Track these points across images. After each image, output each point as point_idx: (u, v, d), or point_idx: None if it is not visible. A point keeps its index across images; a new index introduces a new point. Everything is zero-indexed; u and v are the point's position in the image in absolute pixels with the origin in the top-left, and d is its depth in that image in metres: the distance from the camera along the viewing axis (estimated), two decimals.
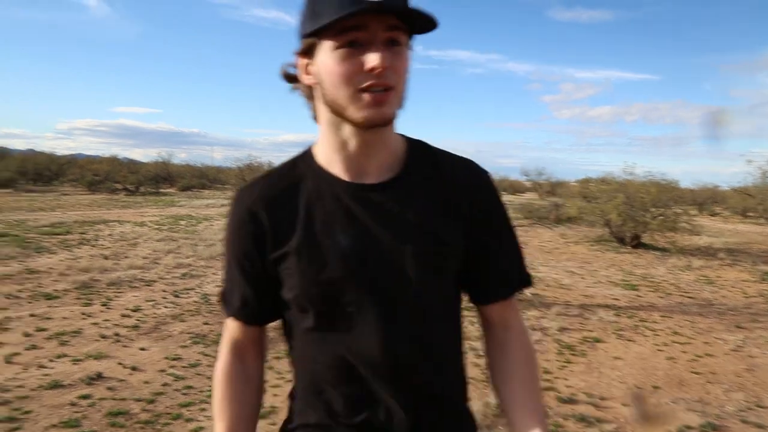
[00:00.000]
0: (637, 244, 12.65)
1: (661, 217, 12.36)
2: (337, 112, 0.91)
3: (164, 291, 6.57)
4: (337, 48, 0.85)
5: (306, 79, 0.95)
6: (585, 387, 4.19)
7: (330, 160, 0.98)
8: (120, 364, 4.17)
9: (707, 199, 29.21)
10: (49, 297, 5.97)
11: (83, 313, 5.44)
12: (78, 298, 5.99)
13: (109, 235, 11.05)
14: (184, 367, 4.19)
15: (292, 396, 1.09)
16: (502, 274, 1.05)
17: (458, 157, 1.05)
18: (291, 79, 1.00)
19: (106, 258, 8.39)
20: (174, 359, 4.32)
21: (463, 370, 1.08)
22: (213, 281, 7.26)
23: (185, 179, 35.08)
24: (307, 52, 0.92)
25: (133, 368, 4.10)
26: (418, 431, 0.98)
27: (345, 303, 0.95)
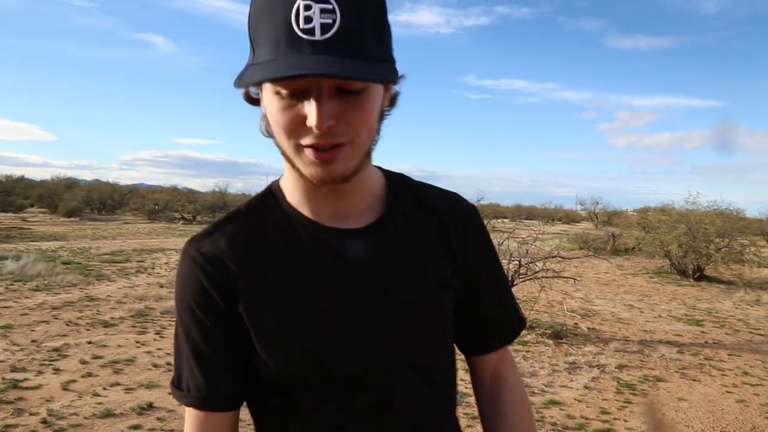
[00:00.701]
0: (700, 276, 12.06)
1: (726, 249, 11.77)
2: (288, 161, 0.77)
3: None
4: (276, 93, 0.70)
5: (262, 109, 0.77)
6: (647, 431, 3.94)
7: (300, 201, 0.83)
8: (170, 394, 4.21)
9: None
10: (106, 324, 6.14)
11: (137, 342, 5.56)
12: (133, 326, 6.14)
13: (166, 263, 11.38)
14: None
15: None
16: (496, 320, 0.95)
17: (442, 190, 0.94)
18: (253, 101, 0.80)
19: (161, 286, 8.62)
20: None
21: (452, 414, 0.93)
22: None
23: None
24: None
25: None
26: None
27: (324, 372, 0.78)
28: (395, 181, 0.91)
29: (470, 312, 0.92)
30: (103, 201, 31.87)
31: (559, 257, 7.29)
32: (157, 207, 29.39)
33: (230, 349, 0.80)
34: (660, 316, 8.14)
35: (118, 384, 4.35)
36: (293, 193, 0.84)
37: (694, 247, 11.89)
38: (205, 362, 0.80)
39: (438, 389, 0.87)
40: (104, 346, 5.36)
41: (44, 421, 3.59)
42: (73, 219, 25.26)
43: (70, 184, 34.02)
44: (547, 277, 7.04)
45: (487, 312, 0.94)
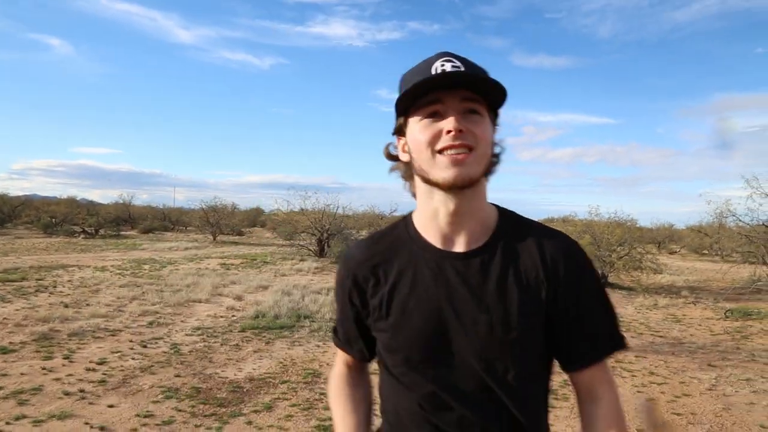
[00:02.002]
0: (604, 283, 12.82)
1: (627, 257, 12.62)
2: (425, 178, 1.02)
3: (131, 341, 6.28)
4: (420, 120, 0.99)
5: (403, 156, 1.08)
6: None
7: (425, 227, 1.09)
8: (87, 423, 3.92)
9: (665, 238, 30.10)
10: (4, 351, 5.63)
11: (44, 368, 5.13)
12: (37, 351, 5.67)
13: (69, 281, 10.62)
14: (157, 425, 3.96)
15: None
16: (586, 337, 1.05)
17: (547, 228, 1.10)
18: (392, 158, 1.12)
19: (66, 306, 8.02)
20: (146, 416, 4.09)
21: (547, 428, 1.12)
22: (182, 329, 7.00)
23: (147, 221, 34.26)
24: (400, 131, 1.07)
25: (102, 428, 3.85)
26: None
27: (425, 358, 1.04)
28: (506, 216, 1.11)
29: (564, 332, 1.05)
30: None
31: None
32: (54, 220, 27.40)
33: (359, 323, 1.16)
34: None
35: (24, 416, 3.99)
36: (420, 221, 1.10)
37: (598, 256, 12.66)
38: (344, 325, 1.20)
39: (511, 398, 1.02)
40: (4, 374, 4.90)
41: None
42: None
43: None
44: None
45: (579, 331, 1.05)
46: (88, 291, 9.52)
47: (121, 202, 37.27)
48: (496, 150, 1.06)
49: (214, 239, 26.58)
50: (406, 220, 1.14)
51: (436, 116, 0.98)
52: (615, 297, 11.50)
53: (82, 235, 25.50)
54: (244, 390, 4.81)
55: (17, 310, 7.64)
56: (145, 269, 13.12)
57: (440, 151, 0.97)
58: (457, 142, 0.96)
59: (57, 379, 4.83)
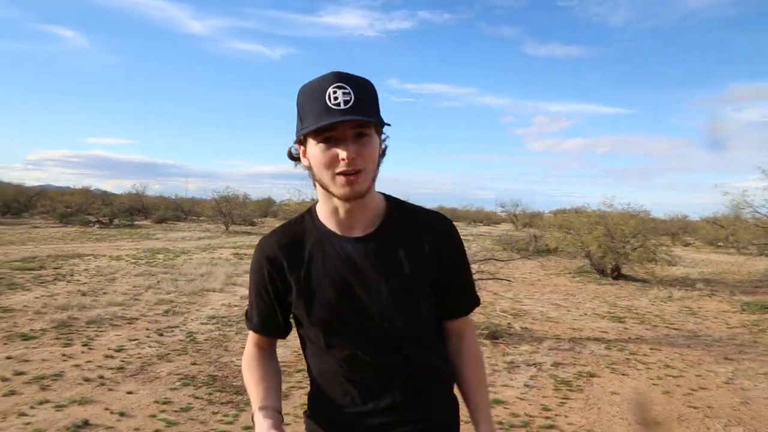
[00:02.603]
0: (618, 275, 12.78)
1: (641, 248, 12.53)
2: (325, 188, 1.22)
3: (147, 329, 6.36)
4: (318, 143, 1.17)
5: (304, 161, 1.26)
6: (587, 424, 4.13)
7: (327, 219, 1.30)
8: (107, 409, 3.98)
9: (679, 230, 29.84)
10: (26, 337, 5.72)
11: (64, 355, 5.21)
12: (57, 338, 5.76)
13: (85, 269, 10.75)
14: (175, 411, 4.01)
15: (309, 396, 1.42)
16: (460, 298, 1.39)
17: (427, 210, 1.37)
18: (294, 158, 1.29)
19: (84, 294, 8.12)
20: (164, 403, 4.14)
21: (446, 361, 1.40)
22: (197, 318, 7.07)
23: (160, 211, 34.53)
24: (302, 142, 1.24)
25: (121, 414, 3.91)
26: (418, 398, 1.31)
27: (340, 325, 1.27)
28: (392, 203, 1.35)
29: (444, 294, 1.34)
30: (7, 203, 29.68)
31: (495, 259, 7.50)
32: (69, 210, 27.66)
33: (279, 302, 1.34)
34: (585, 314, 8.55)
35: (46, 401, 4.06)
36: (322, 213, 1.32)
37: (612, 248, 12.59)
38: (259, 308, 1.37)
39: (412, 344, 1.30)
40: (26, 360, 4.99)
41: None
42: None
43: None
44: (483, 279, 7.22)
45: (455, 294, 1.37)
46: (104, 280, 9.63)
47: (135, 192, 37.56)
48: (383, 146, 1.26)
49: (227, 229, 26.72)
50: (311, 212, 1.35)
51: (332, 141, 1.16)
52: (629, 289, 11.44)
53: (97, 225, 25.75)
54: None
55: (36, 298, 7.75)
56: (159, 258, 13.24)
57: (337, 173, 1.16)
58: (350, 168, 1.15)
59: (77, 366, 4.90)
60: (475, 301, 1.44)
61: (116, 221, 27.58)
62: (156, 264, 12.15)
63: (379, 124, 1.20)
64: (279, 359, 1.47)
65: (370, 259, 1.26)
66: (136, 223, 30.09)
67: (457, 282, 1.36)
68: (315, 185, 1.27)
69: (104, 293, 8.31)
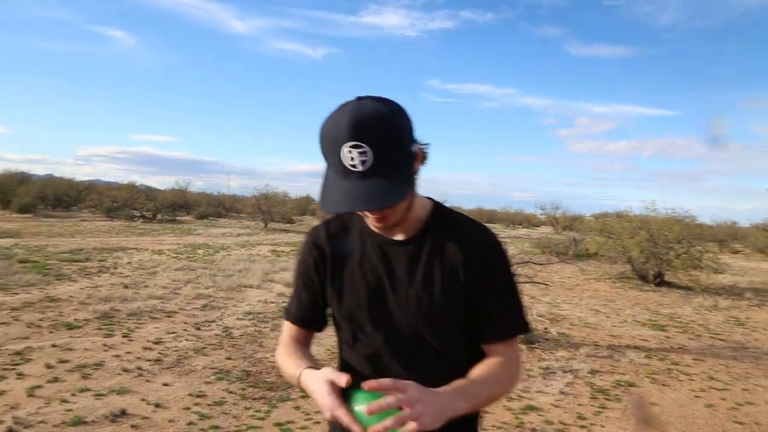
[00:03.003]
0: (661, 281, 12.41)
1: (685, 255, 12.13)
2: None
3: (185, 323, 6.49)
4: None
5: None
6: None
7: (369, 221, 1.25)
8: (144, 400, 4.07)
9: (727, 236, 28.81)
10: (70, 327, 5.91)
11: (105, 345, 5.36)
12: (99, 329, 5.93)
13: (128, 263, 11.05)
14: (209, 405, 4.07)
15: None
16: (498, 321, 1.26)
17: (472, 221, 1.31)
18: None
19: (126, 287, 8.35)
20: (198, 396, 4.22)
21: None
22: (234, 314, 7.18)
23: (202, 207, 35.26)
24: None
25: (157, 405, 3.99)
26: None
27: (365, 322, 1.26)
28: (438, 211, 1.30)
29: (478, 313, 1.24)
30: (58, 197, 30.78)
31: (531, 263, 7.38)
32: (115, 204, 28.51)
33: (322, 293, 1.34)
34: (625, 321, 8.33)
35: (87, 389, 4.18)
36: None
37: (654, 253, 12.23)
38: (300, 297, 1.37)
39: (435, 358, 1.23)
40: (70, 349, 5.15)
41: (10, 430, 3.42)
42: (26, 215, 24.30)
43: (23, 178, 32.61)
44: (520, 283, 7.10)
45: (490, 316, 1.25)
46: (145, 273, 9.88)
47: (178, 188, 38.44)
48: (424, 152, 1.19)
49: (266, 226, 27.09)
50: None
51: None
52: (673, 296, 11.10)
53: (141, 220, 26.47)
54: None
55: (81, 288, 8.01)
56: (199, 254, 13.51)
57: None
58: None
59: (117, 356, 5.04)
60: (519, 328, 1.29)
61: (159, 216, 28.30)
62: (196, 259, 12.40)
63: (406, 190, 1.12)
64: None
65: (404, 264, 1.25)
66: (179, 218, 30.82)
67: (495, 303, 1.25)
68: None
69: (145, 286, 8.53)
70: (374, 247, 1.27)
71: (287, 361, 1.33)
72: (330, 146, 1.08)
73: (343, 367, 1.33)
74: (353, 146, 1.05)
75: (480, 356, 1.27)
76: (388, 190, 1.08)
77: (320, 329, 1.40)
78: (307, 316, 1.37)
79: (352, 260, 1.29)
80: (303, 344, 1.39)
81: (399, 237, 1.27)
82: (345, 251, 1.30)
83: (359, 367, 1.28)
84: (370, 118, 1.06)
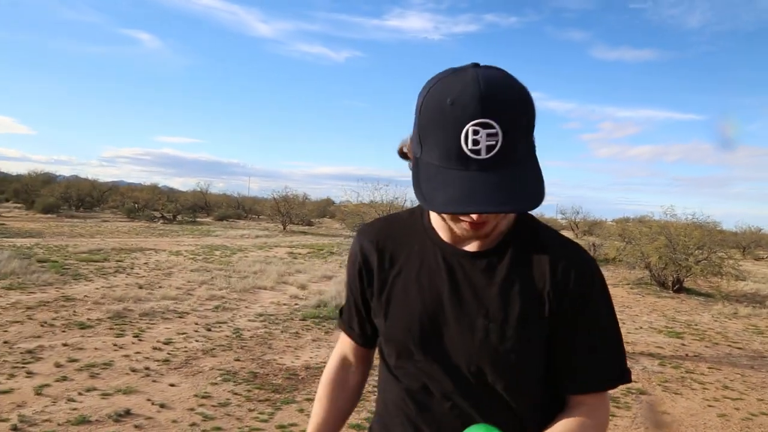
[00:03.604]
0: (680, 288, 12.19)
1: (705, 261, 11.91)
2: (442, 217, 0.99)
3: (196, 324, 6.54)
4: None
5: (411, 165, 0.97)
6: None
7: (439, 225, 1.03)
8: (149, 400, 4.10)
9: (751, 243, 28.23)
10: (83, 326, 5.99)
11: (115, 344, 5.43)
12: (111, 328, 6.00)
13: (145, 263, 11.19)
14: (213, 406, 4.09)
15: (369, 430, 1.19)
16: (587, 366, 0.99)
17: (565, 239, 1.03)
18: (405, 157, 1.00)
19: (140, 287, 8.45)
20: (203, 397, 4.24)
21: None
22: (245, 315, 7.22)
23: (222, 209, 35.63)
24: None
25: (162, 405, 4.02)
26: None
27: (415, 348, 1.01)
28: (522, 221, 1.03)
29: (562, 358, 0.99)
30: (81, 198, 31.33)
31: None
32: (136, 205, 28.96)
33: (365, 303, 1.12)
34: (641, 328, 8.20)
35: (94, 389, 4.22)
36: (435, 218, 1.04)
37: (674, 259, 12.02)
38: (349, 305, 1.18)
39: (495, 409, 0.98)
40: (80, 348, 5.22)
41: (15, 428, 3.47)
42: (50, 215, 24.78)
43: (48, 179, 33.35)
44: None
45: (576, 362, 0.99)
46: (161, 274, 9.99)
47: (199, 189, 38.87)
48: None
49: (284, 228, 27.25)
50: (423, 210, 1.09)
51: None
52: (691, 303, 10.89)
53: (161, 221, 26.83)
54: (300, 378, 4.89)
55: (97, 288, 8.12)
56: (216, 255, 13.63)
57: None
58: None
59: (126, 356, 5.09)
60: (616, 378, 1.01)
61: (179, 217, 28.64)
62: (212, 260, 12.51)
63: (544, 188, 0.85)
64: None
65: (474, 281, 0.98)
66: (199, 219, 31.15)
67: (589, 345, 0.98)
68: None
69: (160, 287, 8.62)
70: (437, 258, 1.01)
71: (316, 402, 1.21)
72: (444, 122, 0.81)
73: (380, 399, 1.13)
74: (481, 124, 0.79)
75: (554, 405, 1.03)
76: (524, 185, 0.83)
77: (369, 346, 1.20)
78: (355, 327, 1.18)
79: (407, 271, 1.04)
80: (353, 363, 1.22)
81: (471, 248, 1.00)
82: (397, 259, 1.06)
83: (399, 402, 1.05)
84: (506, 91, 0.82)
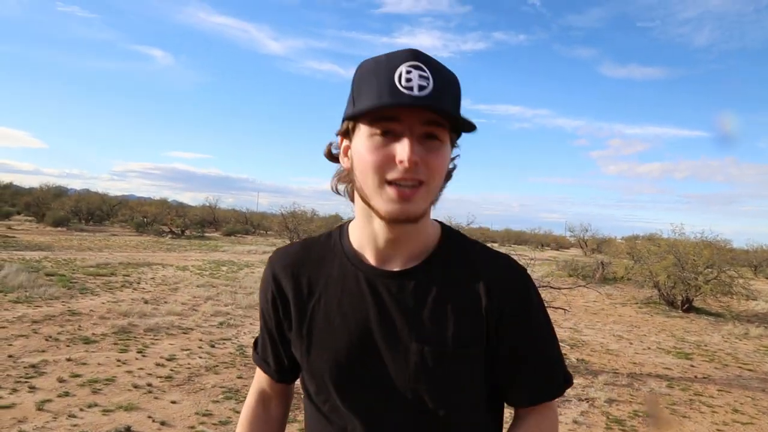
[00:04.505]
0: (689, 308, 12.05)
1: (715, 280, 11.78)
2: (366, 201, 0.90)
3: (200, 340, 6.52)
4: (371, 136, 0.85)
5: (344, 162, 0.95)
6: None
7: (360, 243, 0.98)
8: (150, 417, 4.08)
9: (763, 261, 27.92)
10: (87, 341, 5.99)
11: (119, 360, 5.42)
12: (115, 344, 6.00)
13: (152, 278, 11.21)
14: (214, 424, 4.06)
15: None
16: (528, 379, 0.98)
17: (494, 252, 1.00)
18: (333, 158, 0.98)
19: (146, 302, 8.46)
20: (205, 415, 4.21)
21: None
22: (250, 332, 7.20)
23: (230, 224, 35.76)
24: (347, 134, 0.92)
25: (162, 423, 4.00)
26: None
27: (347, 385, 0.94)
28: (448, 236, 1.00)
29: (505, 371, 0.97)
30: (91, 211, 31.54)
31: (550, 287, 7.24)
32: (145, 219, 29.12)
33: (281, 336, 1.04)
34: (649, 348, 8.09)
35: (95, 405, 4.21)
36: (355, 234, 0.99)
37: (682, 278, 11.90)
38: (263, 337, 1.09)
39: (453, 421, 0.93)
40: (84, 363, 5.22)
41: None
42: (59, 229, 24.96)
43: (59, 192, 33.66)
44: None
45: (521, 375, 0.97)
46: (167, 289, 10.00)
47: (208, 204, 39.05)
48: (450, 166, 0.95)
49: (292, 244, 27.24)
50: (342, 231, 1.03)
51: (390, 135, 0.84)
52: (701, 323, 10.76)
53: (170, 235, 26.93)
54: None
55: (103, 303, 8.14)
56: (222, 271, 13.64)
57: (389, 182, 0.85)
58: (408, 176, 0.83)
59: (129, 372, 5.08)
60: (555, 388, 0.99)
61: (187, 232, 28.75)
62: (219, 276, 12.52)
63: (460, 130, 0.89)
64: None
65: (403, 303, 0.93)
66: (207, 234, 31.24)
67: (531, 355, 0.97)
68: (353, 197, 0.96)
69: (165, 302, 8.63)
70: (359, 282, 0.95)
71: None
72: (377, 70, 0.85)
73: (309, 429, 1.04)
74: (414, 66, 0.83)
75: (499, 418, 1.03)
76: (446, 103, 0.84)
77: (288, 381, 1.13)
78: (270, 362, 1.09)
79: (327, 299, 0.97)
80: (271, 399, 1.14)
81: (396, 267, 0.95)
82: (315, 287, 0.98)
83: None
84: (435, 60, 0.87)
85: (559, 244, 52.37)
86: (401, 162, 0.82)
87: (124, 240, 21.94)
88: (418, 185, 0.85)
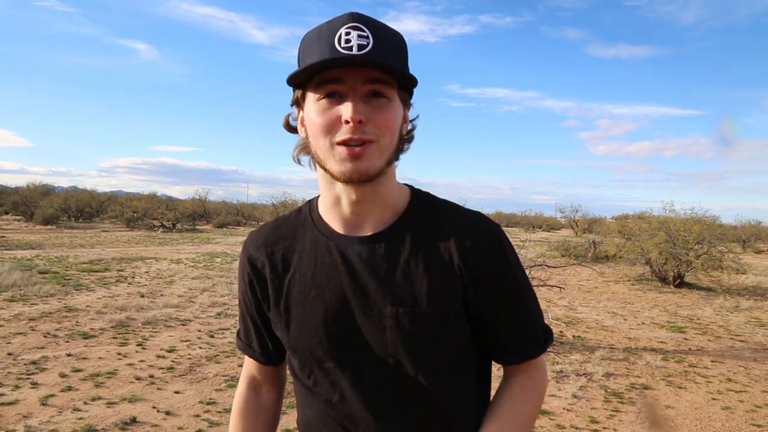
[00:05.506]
0: (680, 283, 12.21)
1: (705, 256, 11.92)
2: (322, 166, 0.90)
3: (199, 331, 6.54)
4: (318, 100, 0.86)
5: (302, 132, 0.94)
6: None
7: (327, 212, 0.98)
8: (154, 407, 4.10)
9: (751, 236, 28.27)
10: (86, 336, 5.99)
11: (119, 353, 5.43)
12: (114, 338, 6.00)
13: (146, 272, 11.19)
14: (219, 412, 4.10)
15: None
16: (509, 337, 0.98)
17: (465, 211, 0.98)
18: (292, 129, 0.99)
19: (142, 296, 8.46)
20: (209, 403, 4.24)
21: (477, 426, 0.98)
22: None
23: (221, 216, 35.63)
24: (298, 103, 0.93)
25: (167, 413, 4.03)
26: None
27: (326, 355, 0.95)
28: (418, 198, 0.99)
29: (486, 330, 0.97)
30: (80, 208, 31.33)
31: (545, 266, 7.32)
32: (136, 215, 28.97)
33: (261, 318, 1.04)
34: (643, 324, 8.20)
35: (99, 398, 4.23)
36: (323, 205, 0.99)
37: (674, 254, 12.04)
38: (245, 322, 1.09)
39: (425, 398, 0.93)
40: (84, 358, 5.22)
41: None
42: (49, 227, 24.77)
43: (47, 191, 33.31)
44: (534, 286, 7.04)
45: (502, 333, 0.97)
46: (163, 282, 9.99)
47: (198, 198, 38.87)
48: (409, 127, 0.95)
49: None
50: (311, 204, 1.04)
51: (335, 97, 0.85)
52: (693, 298, 10.91)
53: (161, 229, 26.81)
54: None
55: (99, 298, 8.12)
56: (216, 262, 13.63)
57: (338, 143, 0.85)
58: (355, 135, 0.84)
59: (130, 365, 5.09)
60: (535, 344, 0.99)
61: (179, 226, 28.63)
62: (213, 267, 12.51)
63: (404, 81, 0.88)
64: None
65: (374, 267, 0.92)
66: (198, 227, 31.13)
67: (502, 313, 0.96)
68: (315, 166, 0.96)
69: (161, 295, 8.63)
70: (331, 251, 0.95)
71: None
72: (319, 35, 0.87)
73: (300, 415, 1.05)
74: (353, 27, 0.84)
75: (485, 377, 1.03)
76: (388, 60, 0.85)
77: (277, 363, 1.11)
78: (260, 349, 1.08)
79: (302, 272, 0.97)
80: (263, 385, 1.13)
81: (366, 232, 0.95)
82: (289, 263, 0.99)
83: (323, 418, 0.98)
84: (373, 19, 0.88)
85: (551, 225, 52.72)
86: (346, 122, 0.83)
87: (115, 236, 21.82)
88: (367, 143, 0.85)
